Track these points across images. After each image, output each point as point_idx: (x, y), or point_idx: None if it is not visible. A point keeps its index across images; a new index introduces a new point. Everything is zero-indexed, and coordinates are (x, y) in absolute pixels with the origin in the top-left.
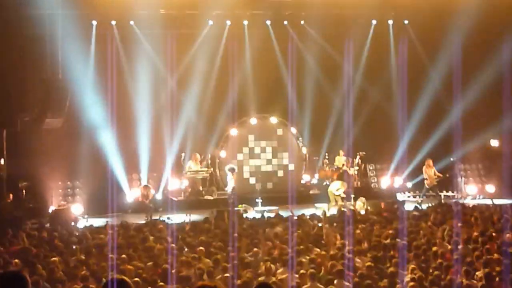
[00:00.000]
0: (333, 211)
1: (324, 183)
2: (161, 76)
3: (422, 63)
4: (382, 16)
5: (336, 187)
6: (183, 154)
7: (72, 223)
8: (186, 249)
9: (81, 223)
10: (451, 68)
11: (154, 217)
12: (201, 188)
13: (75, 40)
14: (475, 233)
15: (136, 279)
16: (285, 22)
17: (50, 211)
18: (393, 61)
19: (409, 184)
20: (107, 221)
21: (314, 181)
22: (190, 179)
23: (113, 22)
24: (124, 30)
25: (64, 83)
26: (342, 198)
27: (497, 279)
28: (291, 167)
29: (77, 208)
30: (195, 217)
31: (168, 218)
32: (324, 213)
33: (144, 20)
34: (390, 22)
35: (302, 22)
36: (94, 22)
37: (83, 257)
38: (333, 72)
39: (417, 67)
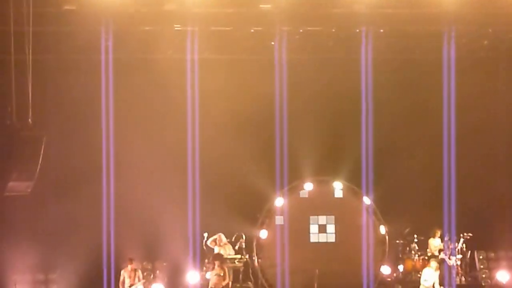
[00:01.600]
0: None
1: (414, 278)
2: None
3: None
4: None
5: (431, 283)
6: (205, 234)
7: None
8: None
9: None
10: None
11: None
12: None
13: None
14: None
15: None
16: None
17: None
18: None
19: None
20: None
21: (398, 274)
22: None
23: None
24: (121, 53)
25: (36, 131)
26: None
27: None
28: (363, 254)
29: None
30: None
31: None
32: None
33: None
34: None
35: (380, 43)
36: (78, 42)
37: None
38: (428, 113)
39: None
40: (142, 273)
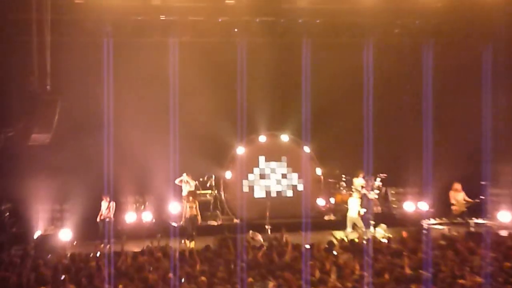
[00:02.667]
0: (351, 239)
1: (341, 208)
2: (162, 89)
3: (451, 79)
4: (408, 29)
5: (355, 213)
6: (184, 174)
7: (60, 250)
8: (183, 280)
9: (70, 250)
10: (482, 87)
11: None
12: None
13: (65, 49)
14: (508, 265)
15: None
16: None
17: (35, 236)
18: (419, 74)
19: (435, 210)
20: (99, 248)
21: (330, 205)
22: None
23: (108, 29)
24: (121, 38)
25: (53, 96)
26: (361, 225)
27: None
28: (303, 189)
29: (66, 234)
30: (196, 244)
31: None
32: (341, 241)
33: (143, 28)
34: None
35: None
36: (87, 29)
37: (72, 287)
38: (352, 85)
39: (445, 83)
40: (135, 204)
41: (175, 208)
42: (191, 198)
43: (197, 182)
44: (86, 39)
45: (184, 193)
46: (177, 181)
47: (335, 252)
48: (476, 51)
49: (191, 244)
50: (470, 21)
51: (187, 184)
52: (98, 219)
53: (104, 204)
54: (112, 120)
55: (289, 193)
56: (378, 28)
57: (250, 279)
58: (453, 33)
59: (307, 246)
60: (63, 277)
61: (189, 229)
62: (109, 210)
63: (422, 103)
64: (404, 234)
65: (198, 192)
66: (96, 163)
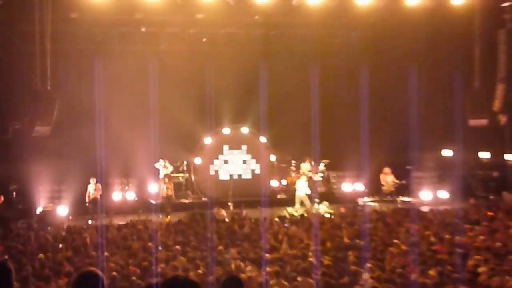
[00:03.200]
0: (299, 214)
1: (291, 188)
2: (143, 88)
3: (383, 77)
4: (346, 31)
5: (302, 192)
6: (161, 160)
7: (58, 224)
8: (160, 248)
9: (67, 223)
10: (409, 84)
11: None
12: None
13: (62, 55)
14: (428, 235)
15: (114, 273)
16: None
17: (38, 212)
18: (356, 73)
19: (369, 190)
20: (90, 222)
21: (282, 186)
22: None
23: (98, 38)
24: (109, 46)
25: (53, 94)
26: (308, 203)
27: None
28: (260, 173)
29: (63, 210)
30: (171, 218)
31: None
32: (291, 215)
33: (127, 37)
34: (353, 35)
35: (273, 37)
36: (81, 38)
37: (68, 254)
38: (301, 85)
39: (378, 80)
40: (120, 185)
41: (153, 188)
42: (167, 180)
43: (172, 166)
44: (80, 47)
45: (161, 175)
46: (156, 165)
47: (286, 225)
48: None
49: (167, 219)
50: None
51: (165, 168)
52: (86, 199)
53: (91, 186)
54: (102, 114)
55: (248, 176)
56: (323, 38)
57: (220, 247)
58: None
59: (263, 220)
60: (60, 245)
61: (166, 206)
62: (97, 191)
63: (359, 100)
64: (342, 209)
65: (172, 175)
66: (88, 150)
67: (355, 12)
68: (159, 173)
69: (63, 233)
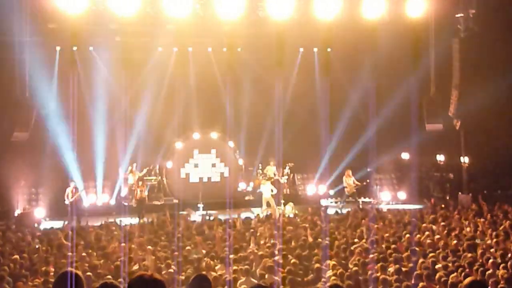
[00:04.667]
0: (265, 214)
1: (258, 191)
2: (116, 95)
3: (344, 86)
4: (308, 44)
5: (268, 194)
6: (134, 165)
7: (35, 225)
8: (134, 247)
9: (43, 225)
10: (368, 91)
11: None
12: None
13: (41, 64)
14: (388, 234)
15: (89, 273)
16: (224, 49)
17: (15, 214)
18: (318, 83)
19: (332, 191)
20: (66, 223)
21: (249, 188)
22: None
23: (75, 48)
24: (84, 55)
25: (31, 101)
26: (273, 204)
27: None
28: (229, 176)
29: (40, 212)
30: (144, 220)
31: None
32: (258, 216)
33: (101, 46)
34: (315, 50)
35: (239, 49)
36: (58, 48)
37: (44, 255)
38: (266, 93)
39: (339, 89)
40: (95, 188)
41: (126, 191)
42: (140, 183)
43: (145, 169)
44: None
45: (130, 181)
46: (121, 172)
47: (253, 225)
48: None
49: (140, 220)
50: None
51: (132, 173)
52: (66, 201)
53: (69, 189)
54: (77, 122)
55: (217, 179)
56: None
57: (188, 247)
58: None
59: (231, 221)
60: (37, 246)
61: (139, 208)
62: (73, 194)
63: (322, 106)
64: (309, 210)
65: (145, 178)
66: (65, 155)
67: (317, 27)
68: (127, 179)
69: (40, 234)
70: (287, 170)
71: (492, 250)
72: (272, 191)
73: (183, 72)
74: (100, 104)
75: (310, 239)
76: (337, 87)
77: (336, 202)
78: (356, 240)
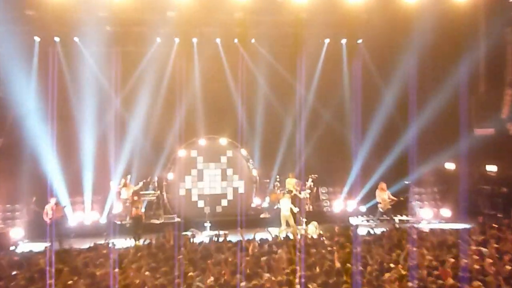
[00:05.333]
0: (284, 235)
1: (275, 207)
2: (106, 94)
3: (376, 83)
4: (335, 35)
5: (287, 211)
6: (128, 177)
7: (12, 248)
8: (131, 274)
9: (21, 248)
10: (405, 89)
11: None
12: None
13: (17, 57)
14: (429, 258)
15: None
16: (235, 40)
17: None
18: (346, 81)
19: (363, 208)
20: (48, 246)
21: (265, 204)
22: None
23: (57, 39)
24: (68, 47)
25: (6, 100)
26: (293, 223)
27: None
28: (241, 190)
29: (17, 232)
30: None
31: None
32: (275, 237)
33: (89, 37)
34: (343, 41)
35: (252, 40)
36: (37, 39)
37: (23, 283)
38: (284, 92)
39: (371, 87)
40: (82, 204)
41: (119, 208)
42: (136, 198)
43: (141, 182)
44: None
45: (123, 196)
46: (113, 185)
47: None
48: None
49: (136, 242)
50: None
51: (126, 187)
52: (45, 219)
53: (49, 206)
54: (61, 125)
55: (230, 196)
56: (311, 39)
57: (191, 273)
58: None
59: (244, 242)
60: (14, 272)
61: (134, 227)
62: (54, 211)
63: (351, 107)
64: (336, 230)
65: (142, 192)
66: (45, 166)
67: (345, 14)
68: (121, 193)
69: (17, 259)
70: (309, 183)
71: None
72: (292, 208)
73: (186, 68)
74: (88, 104)
75: (338, 264)
76: (369, 85)
77: (368, 221)
78: (391, 265)
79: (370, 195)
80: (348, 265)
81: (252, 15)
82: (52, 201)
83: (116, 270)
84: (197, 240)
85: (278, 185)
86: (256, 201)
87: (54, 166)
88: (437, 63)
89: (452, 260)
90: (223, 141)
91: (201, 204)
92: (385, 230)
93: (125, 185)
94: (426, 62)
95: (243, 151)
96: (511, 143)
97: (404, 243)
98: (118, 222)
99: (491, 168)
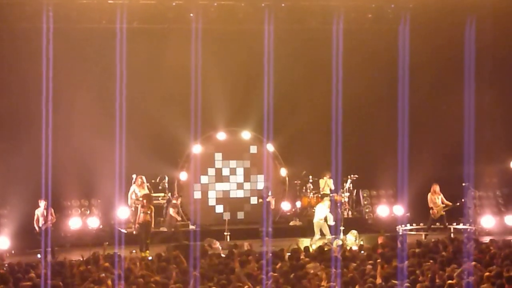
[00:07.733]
0: (318, 246)
1: (308, 213)
2: (108, 79)
3: (427, 63)
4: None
5: (322, 218)
6: (134, 176)
7: None
8: None
9: (8, 260)
10: (460, 73)
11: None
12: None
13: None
14: (491, 274)
15: None
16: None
17: None
18: (393, 63)
19: (412, 214)
20: (39, 257)
21: (296, 210)
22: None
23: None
24: (65, 24)
25: None
26: (328, 232)
27: None
28: (267, 192)
29: (2, 242)
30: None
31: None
32: (308, 249)
33: (89, 13)
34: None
35: (282, 15)
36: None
37: None
38: (319, 75)
39: (421, 67)
40: (80, 208)
41: (124, 213)
42: (145, 202)
43: (148, 184)
44: (26, 26)
45: (133, 196)
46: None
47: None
48: (457, 32)
49: (144, 253)
50: None
51: (141, 186)
52: (35, 226)
53: (40, 210)
54: (52, 116)
55: (253, 200)
56: (349, 13)
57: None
58: (431, 14)
59: (270, 255)
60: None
61: (142, 236)
62: (47, 216)
63: (398, 97)
64: (380, 240)
65: (150, 195)
66: (36, 165)
67: None
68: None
69: (3, 272)
70: (348, 185)
71: None
72: (328, 213)
73: (202, 49)
74: (85, 92)
75: (380, 281)
76: (419, 64)
77: (418, 229)
78: (445, 282)
79: (421, 199)
80: (393, 281)
81: None
82: (42, 204)
83: (120, 285)
84: (214, 251)
85: (311, 187)
86: (285, 206)
87: (46, 163)
88: (497, 38)
89: None
90: (246, 134)
91: (219, 209)
92: (438, 240)
93: (141, 184)
94: (484, 39)
95: (270, 146)
96: None
97: (460, 256)
98: (123, 230)
99: None
